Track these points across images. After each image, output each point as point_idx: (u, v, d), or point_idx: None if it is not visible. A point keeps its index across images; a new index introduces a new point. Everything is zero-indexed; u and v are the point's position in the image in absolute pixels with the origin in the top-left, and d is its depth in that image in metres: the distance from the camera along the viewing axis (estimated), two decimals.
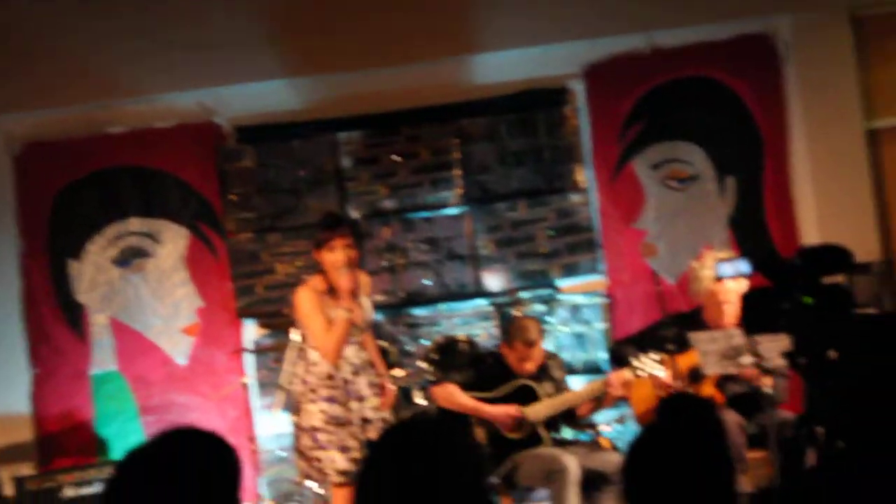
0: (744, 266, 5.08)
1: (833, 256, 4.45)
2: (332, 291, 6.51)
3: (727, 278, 6.80)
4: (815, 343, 4.24)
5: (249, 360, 8.71)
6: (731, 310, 7.08)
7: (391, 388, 6.80)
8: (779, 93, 8.76)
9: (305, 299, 6.51)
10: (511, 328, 7.52)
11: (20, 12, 8.28)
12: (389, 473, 3.05)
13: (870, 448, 3.02)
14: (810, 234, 8.68)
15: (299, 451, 6.52)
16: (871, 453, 3.01)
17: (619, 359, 7.37)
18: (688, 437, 3.40)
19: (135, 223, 8.84)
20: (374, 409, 6.58)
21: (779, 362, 5.92)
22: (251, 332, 8.81)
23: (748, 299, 4.98)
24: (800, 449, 6.26)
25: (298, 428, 6.54)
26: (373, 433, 6.51)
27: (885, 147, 8.83)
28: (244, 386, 8.45)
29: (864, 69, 8.76)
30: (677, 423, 3.50)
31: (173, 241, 8.83)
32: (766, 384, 6.60)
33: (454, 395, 7.26)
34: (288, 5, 8.48)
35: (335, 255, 6.48)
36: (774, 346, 6.05)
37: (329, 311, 6.46)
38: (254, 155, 8.84)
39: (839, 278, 4.37)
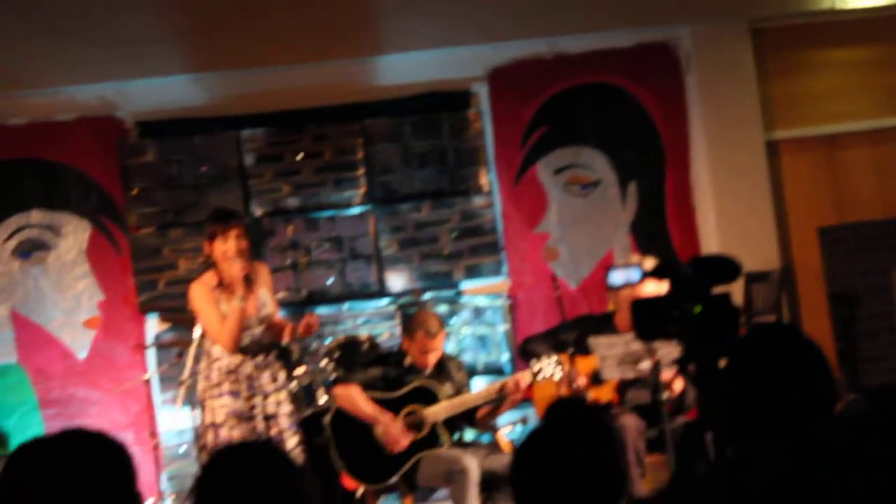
0: (635, 273, 5.10)
1: (723, 267, 4.50)
2: (224, 285, 6.53)
3: (617, 287, 6.71)
4: (703, 351, 4.29)
5: (151, 355, 8.67)
6: None
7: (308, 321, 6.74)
8: (680, 102, 8.88)
9: (198, 294, 6.54)
10: (412, 321, 7.50)
11: None
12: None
13: (757, 456, 3.08)
14: (710, 241, 8.78)
15: (201, 447, 6.52)
16: (758, 461, 3.07)
17: (528, 355, 7.30)
18: (572, 440, 3.45)
19: (36, 215, 8.76)
20: (277, 405, 6.60)
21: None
22: (153, 326, 8.76)
23: (640, 306, 5.00)
24: (694, 455, 6.34)
25: (201, 424, 6.53)
26: (276, 429, 6.53)
27: (783, 158, 8.96)
28: (146, 381, 8.40)
29: (764, 81, 8.88)
30: (562, 426, 3.55)
31: (74, 235, 8.76)
32: (675, 390, 6.67)
33: (355, 398, 7.20)
34: (192, 0, 8.43)
35: (228, 245, 6.50)
36: (669, 353, 6.11)
37: (222, 305, 6.48)
38: (156, 150, 8.79)
39: (730, 288, 4.43)
